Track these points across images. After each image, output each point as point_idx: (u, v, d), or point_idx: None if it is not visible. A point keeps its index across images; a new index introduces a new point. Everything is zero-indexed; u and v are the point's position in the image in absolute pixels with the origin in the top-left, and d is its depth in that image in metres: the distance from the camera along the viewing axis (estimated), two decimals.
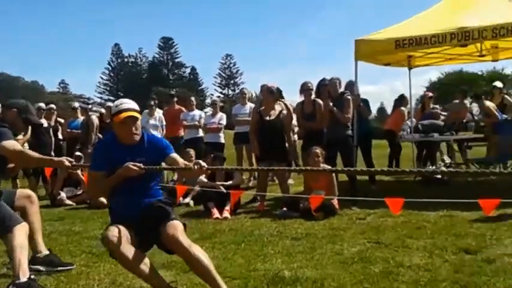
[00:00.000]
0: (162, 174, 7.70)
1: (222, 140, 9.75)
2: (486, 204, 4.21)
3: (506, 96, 10.50)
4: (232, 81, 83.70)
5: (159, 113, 10.18)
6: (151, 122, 9.80)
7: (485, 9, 7.95)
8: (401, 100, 10.27)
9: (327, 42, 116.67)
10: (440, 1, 8.94)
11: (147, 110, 9.96)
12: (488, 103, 9.41)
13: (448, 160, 9.95)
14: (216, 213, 6.45)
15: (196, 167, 3.15)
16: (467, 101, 11.45)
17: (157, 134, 9.75)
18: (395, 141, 10.17)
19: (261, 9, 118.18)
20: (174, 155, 3.38)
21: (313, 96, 7.49)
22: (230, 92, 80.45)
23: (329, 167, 6.44)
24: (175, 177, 8.39)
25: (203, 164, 3.18)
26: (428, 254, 4.31)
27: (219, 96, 72.09)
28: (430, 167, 9.90)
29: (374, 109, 69.16)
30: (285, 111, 7.05)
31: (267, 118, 6.94)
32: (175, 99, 10.70)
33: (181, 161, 3.35)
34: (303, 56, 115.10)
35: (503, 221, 5.40)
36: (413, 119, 10.77)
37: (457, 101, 10.94)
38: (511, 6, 7.87)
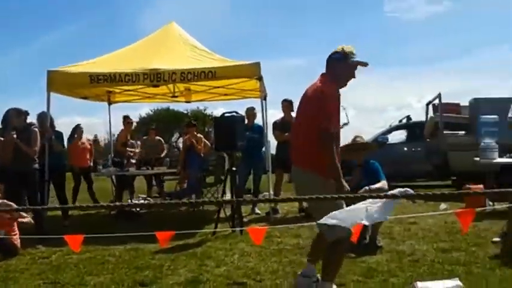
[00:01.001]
0: None
1: None
2: (161, 236, 4.41)
3: (199, 134, 11.50)
4: None
5: None
6: None
7: (176, 54, 8.63)
8: (74, 131, 9.97)
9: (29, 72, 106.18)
10: (137, 41, 9.37)
11: None
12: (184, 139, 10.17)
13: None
14: None
15: None
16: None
17: None
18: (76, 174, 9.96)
19: None
20: None
21: None
22: None
23: (10, 203, 5.93)
24: None
25: None
26: None
27: None
28: (129, 200, 10.10)
29: None
30: None
31: None
32: None
33: None
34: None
35: (183, 251, 5.78)
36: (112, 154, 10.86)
37: (145, 137, 11.46)
38: (201, 54, 8.75)
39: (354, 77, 3.85)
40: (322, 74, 3.86)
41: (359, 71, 3.87)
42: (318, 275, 4.08)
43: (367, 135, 13.40)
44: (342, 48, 3.80)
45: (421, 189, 12.69)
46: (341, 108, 3.92)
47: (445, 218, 7.02)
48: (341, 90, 3.90)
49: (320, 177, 3.71)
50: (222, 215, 7.27)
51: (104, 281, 4.60)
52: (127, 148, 10.21)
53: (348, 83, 3.92)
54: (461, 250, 5.37)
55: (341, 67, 3.78)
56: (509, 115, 5.65)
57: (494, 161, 7.68)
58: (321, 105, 3.67)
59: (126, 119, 10.44)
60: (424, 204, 9.00)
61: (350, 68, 3.80)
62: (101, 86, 8.51)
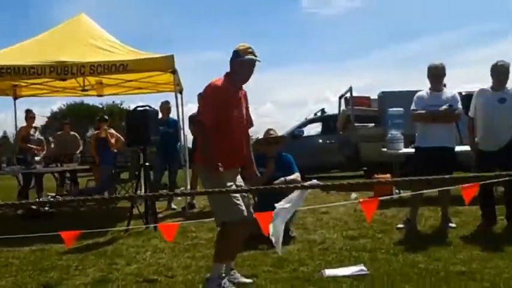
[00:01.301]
0: None
1: None
2: (67, 236, 4.22)
3: (111, 129, 11.14)
4: None
5: None
6: None
7: (86, 47, 8.25)
8: None
9: None
10: (44, 32, 8.91)
11: None
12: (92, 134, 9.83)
13: None
14: None
15: None
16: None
17: None
18: None
19: None
20: None
21: None
22: None
23: None
24: None
25: None
26: None
27: None
28: (38, 199, 9.61)
29: None
30: None
31: None
32: None
33: None
34: None
35: (93, 250, 5.58)
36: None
37: (60, 132, 10.99)
38: (113, 47, 8.44)
39: (251, 73, 4.04)
40: (226, 73, 4.05)
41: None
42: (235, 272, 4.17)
43: (287, 129, 13.70)
44: (238, 48, 4.00)
45: (334, 180, 13.15)
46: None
47: (354, 207, 7.28)
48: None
49: (203, 168, 4.00)
50: (135, 211, 7.12)
51: (5, 285, 4.36)
52: (30, 144, 9.64)
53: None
54: (368, 237, 5.60)
55: (236, 64, 3.98)
56: (412, 107, 5.94)
57: (400, 151, 8.06)
58: (203, 99, 4.08)
59: (29, 113, 9.87)
60: (336, 194, 9.29)
61: (244, 65, 3.99)
62: (4, 80, 8.00)
